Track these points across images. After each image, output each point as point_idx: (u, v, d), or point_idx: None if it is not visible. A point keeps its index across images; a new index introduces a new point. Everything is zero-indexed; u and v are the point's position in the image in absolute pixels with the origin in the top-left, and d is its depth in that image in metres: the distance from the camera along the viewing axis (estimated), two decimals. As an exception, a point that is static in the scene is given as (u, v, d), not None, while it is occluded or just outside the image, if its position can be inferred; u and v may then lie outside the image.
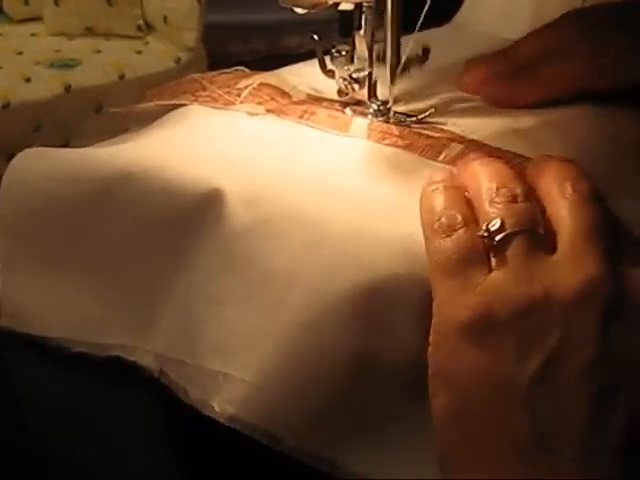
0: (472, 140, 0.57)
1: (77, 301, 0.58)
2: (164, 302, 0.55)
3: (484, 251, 0.46)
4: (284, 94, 0.63)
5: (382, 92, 0.61)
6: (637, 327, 0.43)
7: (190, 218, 0.54)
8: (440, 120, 0.60)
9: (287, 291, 0.49)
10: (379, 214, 0.51)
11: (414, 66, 0.60)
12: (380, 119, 0.60)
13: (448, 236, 0.47)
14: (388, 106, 0.60)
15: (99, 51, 2.87)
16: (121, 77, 2.74)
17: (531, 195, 0.48)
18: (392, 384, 0.48)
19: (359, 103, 0.62)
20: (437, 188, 0.50)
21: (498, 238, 0.45)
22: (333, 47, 0.62)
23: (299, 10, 0.55)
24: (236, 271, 0.51)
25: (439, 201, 0.49)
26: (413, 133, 0.59)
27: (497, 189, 0.47)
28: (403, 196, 0.52)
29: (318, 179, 0.54)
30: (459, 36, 0.80)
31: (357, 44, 0.61)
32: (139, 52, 2.89)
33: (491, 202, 0.47)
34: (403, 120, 0.60)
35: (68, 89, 2.64)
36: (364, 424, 0.48)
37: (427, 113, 0.59)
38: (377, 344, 0.48)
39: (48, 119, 2.59)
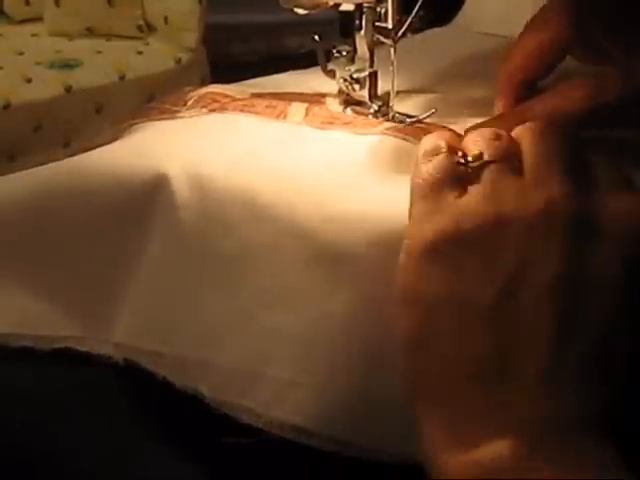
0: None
1: (18, 296, 0.58)
2: (121, 293, 0.55)
3: (460, 176, 0.47)
4: (227, 96, 0.64)
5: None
6: (607, 251, 0.43)
7: (138, 206, 0.55)
8: (440, 120, 0.60)
9: (244, 275, 0.51)
10: (332, 193, 0.52)
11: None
12: (380, 119, 0.60)
13: (429, 161, 0.48)
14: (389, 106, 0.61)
15: (100, 52, 2.88)
16: (122, 77, 2.75)
17: (512, 138, 0.49)
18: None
19: (360, 103, 0.62)
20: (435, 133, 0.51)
21: (474, 165, 0.47)
22: (334, 47, 0.62)
23: (300, 11, 0.55)
24: (191, 258, 0.53)
25: (432, 138, 0.50)
26: (352, 117, 0.60)
27: (484, 134, 0.49)
28: (354, 175, 0.53)
29: (259, 161, 0.55)
30: (460, 37, 0.80)
31: (358, 45, 0.61)
32: (140, 53, 2.90)
33: (475, 140, 0.48)
34: (404, 120, 0.60)
35: (69, 89, 2.64)
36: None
37: (428, 113, 0.59)
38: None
39: (48, 119, 2.60)
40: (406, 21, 0.60)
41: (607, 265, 0.43)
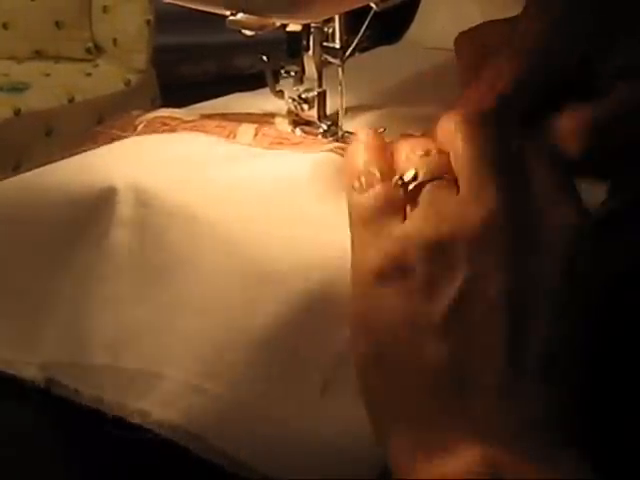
0: None
1: None
2: (47, 311, 0.55)
3: (399, 202, 0.47)
4: (176, 119, 0.64)
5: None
6: (546, 266, 0.44)
7: (83, 221, 0.54)
8: (389, 139, 0.60)
9: (168, 283, 0.51)
10: (270, 213, 0.52)
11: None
12: (330, 139, 0.60)
13: (365, 191, 0.48)
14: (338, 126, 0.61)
15: (48, 74, 2.86)
16: (71, 100, 2.73)
17: (441, 150, 0.49)
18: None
19: (309, 123, 0.62)
20: (359, 147, 0.51)
21: (411, 187, 0.47)
22: (282, 68, 0.62)
23: (247, 32, 0.55)
24: (120, 268, 0.53)
25: (360, 160, 0.50)
26: (301, 137, 0.61)
27: (413, 146, 0.49)
28: (295, 196, 0.53)
29: (203, 179, 0.55)
30: (409, 53, 0.80)
31: (306, 65, 0.61)
32: (89, 75, 2.89)
33: (407, 158, 0.49)
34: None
35: (18, 113, 2.62)
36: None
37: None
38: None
39: (-2, 143, 2.57)
40: (353, 41, 0.60)
41: (548, 279, 0.44)
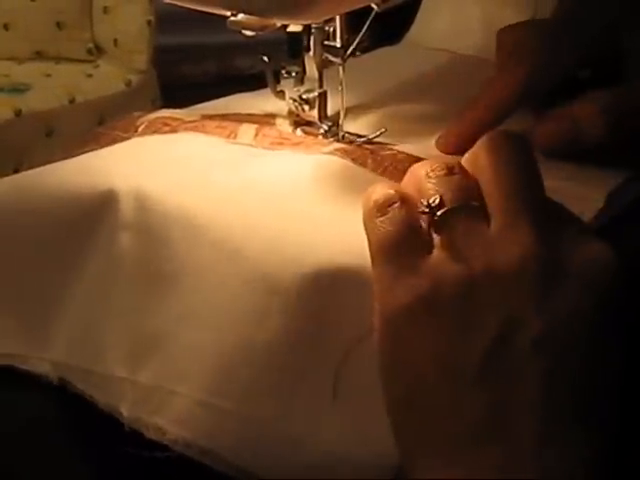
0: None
1: None
2: (61, 311, 0.55)
3: (422, 228, 0.45)
4: (177, 119, 0.64)
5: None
6: (579, 302, 0.42)
7: (85, 223, 0.54)
8: (390, 140, 0.60)
9: (175, 294, 0.50)
10: (272, 219, 0.51)
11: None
12: (330, 139, 0.60)
13: (383, 214, 0.46)
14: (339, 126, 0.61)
15: (49, 75, 2.86)
16: (71, 101, 2.73)
17: (464, 168, 0.47)
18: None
19: (310, 124, 0.62)
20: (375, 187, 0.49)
21: (439, 214, 0.45)
22: (283, 68, 0.62)
23: (248, 32, 0.55)
24: (128, 278, 0.52)
25: (378, 187, 0.47)
26: (302, 137, 0.60)
27: (432, 166, 0.47)
28: (298, 201, 0.53)
29: (205, 182, 0.55)
30: (409, 54, 0.80)
31: (307, 65, 0.61)
32: (89, 75, 2.89)
33: (427, 176, 0.46)
34: (354, 140, 0.60)
35: (18, 113, 2.62)
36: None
37: (378, 133, 0.59)
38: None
39: (-1, 144, 2.57)
40: (354, 40, 0.60)
41: (581, 317, 0.42)
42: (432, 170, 0.46)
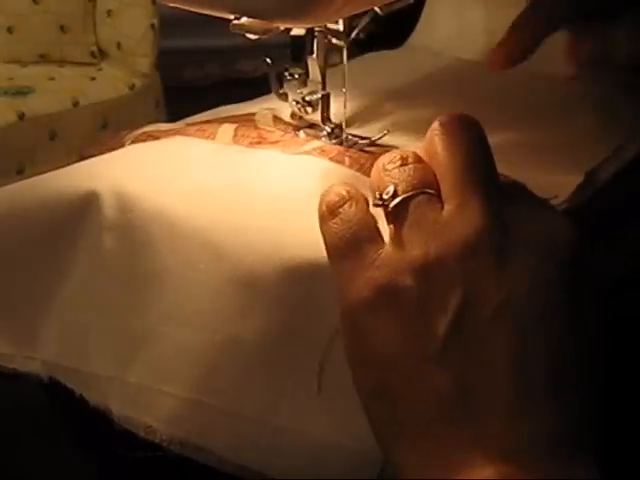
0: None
1: None
2: (50, 311, 0.56)
3: (374, 223, 0.46)
4: (162, 131, 0.65)
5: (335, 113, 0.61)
6: (538, 267, 0.43)
7: (69, 225, 0.55)
8: (393, 142, 0.60)
9: (159, 293, 0.51)
10: (249, 217, 0.52)
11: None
12: (334, 141, 0.60)
13: (335, 216, 0.47)
14: (342, 129, 0.61)
15: (53, 78, 2.86)
16: (75, 104, 2.74)
17: (420, 157, 0.47)
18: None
19: (312, 126, 0.62)
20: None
21: (392, 204, 0.45)
22: (286, 71, 0.62)
23: (251, 36, 0.55)
24: (113, 278, 0.53)
25: (330, 189, 0.48)
26: (280, 136, 0.61)
27: (388, 158, 0.47)
28: (275, 199, 0.54)
29: (184, 182, 0.56)
30: (412, 58, 0.80)
31: (310, 68, 0.61)
32: (93, 79, 2.89)
33: (384, 169, 0.47)
34: (357, 142, 0.60)
35: (21, 116, 2.62)
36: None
37: (380, 135, 0.60)
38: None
39: (1, 147, 2.57)
40: (359, 24, 0.60)
41: (548, 290, 0.43)
42: (388, 162, 0.47)
